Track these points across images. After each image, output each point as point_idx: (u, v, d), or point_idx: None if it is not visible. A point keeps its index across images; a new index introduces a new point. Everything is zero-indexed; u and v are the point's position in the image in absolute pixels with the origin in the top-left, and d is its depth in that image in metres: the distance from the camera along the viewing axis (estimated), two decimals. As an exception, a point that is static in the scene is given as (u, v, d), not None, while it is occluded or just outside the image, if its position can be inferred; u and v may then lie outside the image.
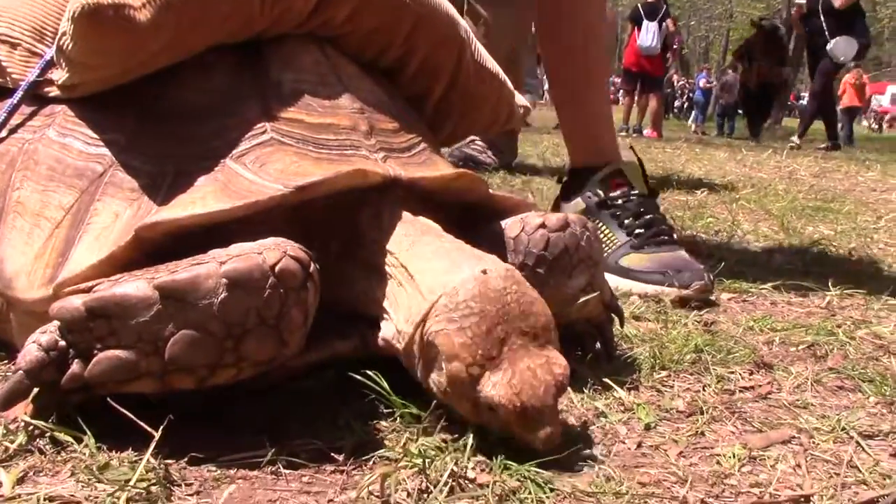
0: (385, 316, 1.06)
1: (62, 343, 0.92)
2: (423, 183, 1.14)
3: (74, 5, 1.06)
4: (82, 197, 1.10)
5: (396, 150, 1.17)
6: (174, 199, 1.04)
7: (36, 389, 0.91)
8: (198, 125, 1.12)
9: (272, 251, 0.92)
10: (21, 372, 0.91)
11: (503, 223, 1.21)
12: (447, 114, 1.44)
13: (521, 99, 1.55)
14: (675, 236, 1.94)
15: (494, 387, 0.91)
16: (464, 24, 1.39)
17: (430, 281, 1.00)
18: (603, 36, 2.21)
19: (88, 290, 0.92)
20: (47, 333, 0.92)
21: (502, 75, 1.48)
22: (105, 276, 1.00)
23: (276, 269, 0.91)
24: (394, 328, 1.04)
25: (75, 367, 0.91)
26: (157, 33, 1.08)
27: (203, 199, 1.02)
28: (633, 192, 1.92)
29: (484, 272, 0.97)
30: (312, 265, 0.95)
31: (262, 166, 1.06)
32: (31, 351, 0.91)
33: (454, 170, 1.20)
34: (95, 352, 0.91)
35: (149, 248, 1.01)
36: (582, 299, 1.21)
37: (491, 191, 1.23)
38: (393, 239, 1.07)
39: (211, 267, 0.91)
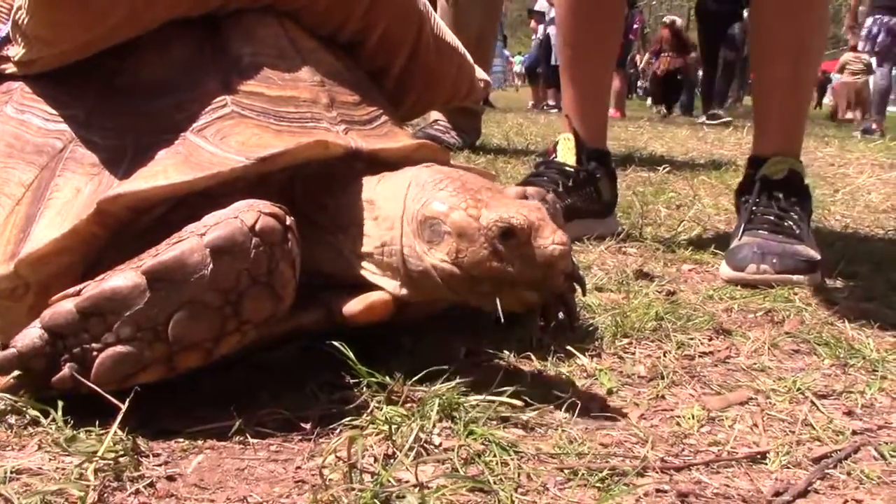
0: (363, 265, 1.09)
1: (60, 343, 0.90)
2: (384, 154, 1.15)
3: (30, -21, 1.05)
4: (42, 173, 1.09)
5: (357, 122, 1.18)
6: (136, 173, 1.04)
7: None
8: (158, 99, 1.11)
9: (247, 212, 0.93)
10: (15, 351, 0.90)
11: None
12: (408, 87, 1.44)
13: (481, 73, 1.56)
14: None
15: (497, 212, 0.97)
16: (423, -3, 1.40)
17: (392, 189, 1.07)
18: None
19: (77, 294, 0.91)
20: None
21: (462, 49, 1.49)
22: (68, 251, 0.99)
23: (256, 228, 0.92)
24: (374, 266, 1.08)
25: (66, 370, 0.90)
26: (113, 6, 1.08)
27: (165, 171, 1.02)
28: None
29: (430, 165, 1.08)
30: (288, 218, 0.96)
31: (224, 139, 1.06)
32: (31, 335, 0.90)
33: (415, 141, 1.21)
34: (94, 353, 0.90)
35: (112, 223, 1.01)
36: (544, 270, 1.22)
37: (452, 163, 1.24)
38: (364, 190, 1.10)
39: (193, 241, 0.90)
